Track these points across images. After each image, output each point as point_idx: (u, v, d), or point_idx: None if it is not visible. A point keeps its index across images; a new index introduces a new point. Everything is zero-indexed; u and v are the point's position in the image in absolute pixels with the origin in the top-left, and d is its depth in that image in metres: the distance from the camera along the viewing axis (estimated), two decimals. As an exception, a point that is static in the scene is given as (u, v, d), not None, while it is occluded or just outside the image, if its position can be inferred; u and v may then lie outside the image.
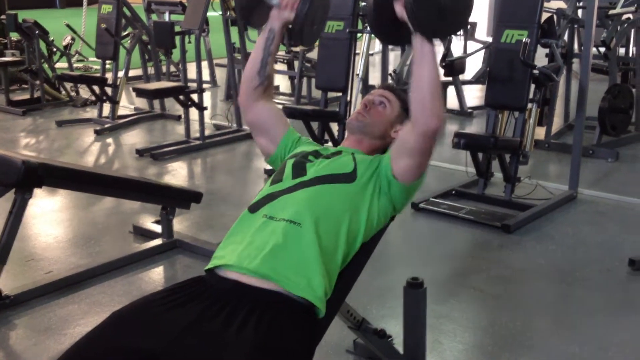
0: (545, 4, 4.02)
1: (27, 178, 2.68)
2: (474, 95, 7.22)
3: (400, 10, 1.79)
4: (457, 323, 2.73)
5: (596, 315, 2.81)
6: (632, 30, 5.75)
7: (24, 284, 2.95)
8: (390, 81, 6.09)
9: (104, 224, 3.78)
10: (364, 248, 1.87)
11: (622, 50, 6.50)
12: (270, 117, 2.08)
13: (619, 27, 5.24)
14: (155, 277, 3.17)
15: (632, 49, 6.53)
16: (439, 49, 5.81)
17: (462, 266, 3.26)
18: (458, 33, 8.03)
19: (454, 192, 4.20)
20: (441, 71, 5.36)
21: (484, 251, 3.46)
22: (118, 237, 3.61)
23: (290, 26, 2.00)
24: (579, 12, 5.86)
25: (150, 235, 3.53)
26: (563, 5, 5.73)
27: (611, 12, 5.20)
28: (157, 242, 3.42)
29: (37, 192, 2.77)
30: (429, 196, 4.02)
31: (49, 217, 3.87)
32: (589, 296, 2.98)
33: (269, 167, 4.61)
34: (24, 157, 2.77)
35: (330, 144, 4.40)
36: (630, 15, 5.35)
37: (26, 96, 7.05)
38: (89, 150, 5.39)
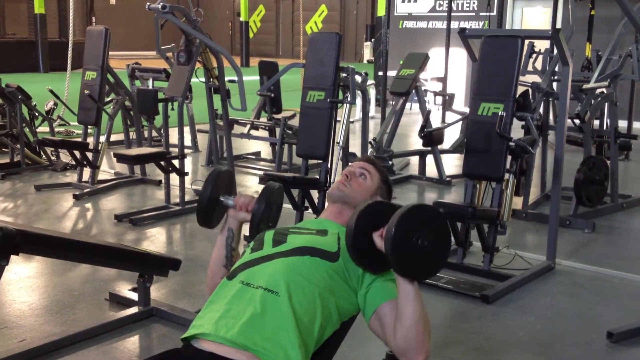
0: (521, 78, 4.13)
1: (4, 245, 2.63)
2: (453, 164, 7.32)
3: (379, 242, 1.78)
4: (436, 396, 2.70)
5: (576, 388, 2.80)
6: (606, 104, 5.90)
7: (-4, 353, 2.89)
8: (369, 149, 6.16)
9: (80, 291, 3.73)
10: (342, 324, 1.86)
11: (596, 123, 6.66)
12: None
13: (592, 101, 5.38)
14: (131, 347, 3.11)
15: (606, 122, 6.70)
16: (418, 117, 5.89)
17: (442, 337, 3.24)
18: (437, 104, 8.21)
19: (433, 261, 4.19)
20: (421, 141, 5.42)
21: (463, 322, 3.45)
22: (94, 304, 3.56)
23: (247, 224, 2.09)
24: (554, 85, 6.04)
25: (126, 303, 3.48)
26: (538, 79, 5.90)
27: (585, 86, 5.36)
28: (134, 310, 3.37)
29: (13, 257, 2.74)
30: (409, 265, 4.02)
31: (24, 284, 3.81)
32: (568, 369, 2.97)
33: (248, 233, 4.60)
34: (1, 223, 2.74)
35: (310, 211, 4.41)
36: (604, 90, 5.50)
37: (6, 160, 7.03)
38: (67, 215, 5.35)
